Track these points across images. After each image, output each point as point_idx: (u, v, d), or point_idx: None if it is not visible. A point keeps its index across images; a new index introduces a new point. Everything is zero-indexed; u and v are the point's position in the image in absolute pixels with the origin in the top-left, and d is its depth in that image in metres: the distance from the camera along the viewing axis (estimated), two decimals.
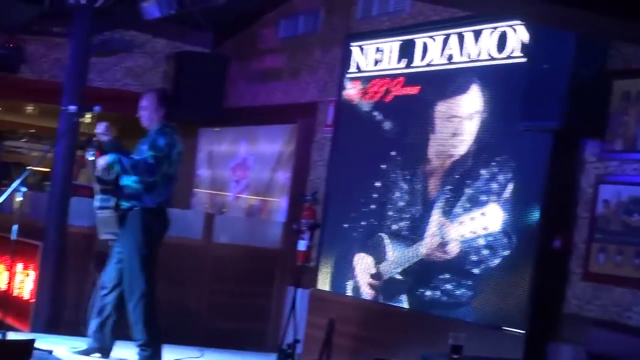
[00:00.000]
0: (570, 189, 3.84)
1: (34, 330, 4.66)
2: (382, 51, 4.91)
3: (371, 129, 4.90)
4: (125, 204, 4.03)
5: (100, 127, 4.03)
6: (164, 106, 4.15)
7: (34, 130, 8.20)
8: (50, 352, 3.98)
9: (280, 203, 5.85)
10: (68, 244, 4.73)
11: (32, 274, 4.92)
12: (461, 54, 4.37)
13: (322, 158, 5.35)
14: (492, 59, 4.20)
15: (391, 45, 4.87)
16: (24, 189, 4.12)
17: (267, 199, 6.01)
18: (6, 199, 4.13)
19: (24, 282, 4.99)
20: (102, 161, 3.97)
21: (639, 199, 3.62)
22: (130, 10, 5.04)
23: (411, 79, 4.69)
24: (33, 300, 4.82)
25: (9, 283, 4.70)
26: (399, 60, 4.81)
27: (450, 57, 4.44)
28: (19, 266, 5.02)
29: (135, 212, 4.02)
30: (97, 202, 4.08)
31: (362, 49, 5.07)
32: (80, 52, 4.78)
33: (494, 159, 4.08)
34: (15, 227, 4.07)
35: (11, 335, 3.98)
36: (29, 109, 7.23)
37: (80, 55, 4.78)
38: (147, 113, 4.14)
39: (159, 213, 4.08)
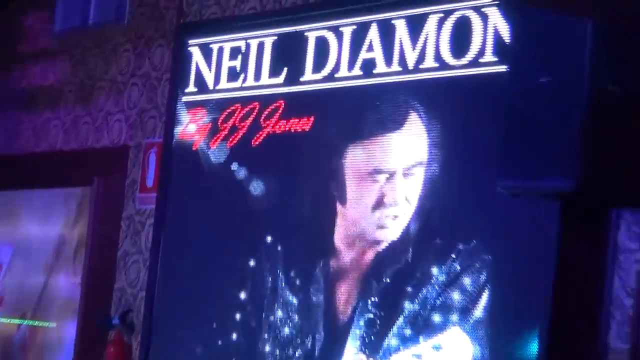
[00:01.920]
0: (594, 297, 3.67)
1: None
2: (244, 54, 4.74)
3: (227, 194, 4.77)
4: None
5: None
6: None
7: None
8: None
9: (61, 331, 5.66)
10: None
11: None
12: (389, 59, 4.21)
13: (139, 248, 5.23)
14: (445, 66, 4.03)
15: (261, 44, 4.65)
16: None
17: (35, 323, 5.85)
18: None
19: None
20: None
21: None
22: None
23: (298, 103, 4.51)
24: None
25: None
26: (275, 71, 4.60)
27: (369, 65, 4.28)
28: None
29: None
30: None
31: (207, 51, 4.89)
32: None
33: (454, 248, 3.94)
34: None
35: None
36: None
37: None
38: None
39: None
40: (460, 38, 3.95)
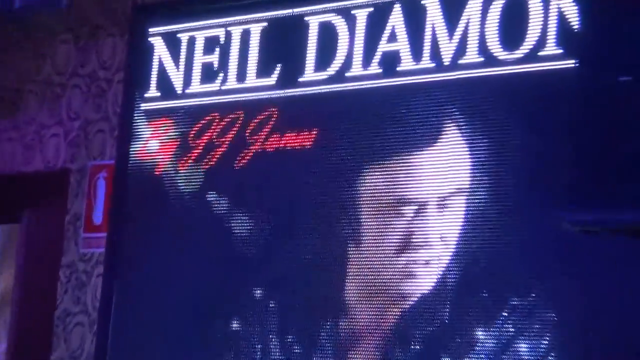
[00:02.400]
0: None
1: None
2: (223, 46, 4.56)
3: (202, 234, 4.53)
4: None
5: None
6: None
7: None
8: None
9: None
10: None
11: None
12: (418, 53, 4.04)
13: (83, 307, 5.07)
14: (493, 62, 3.86)
15: (246, 32, 4.50)
16: None
17: None
18: None
19: None
20: None
21: None
22: None
23: (296, 112, 4.35)
24: None
25: None
26: (266, 69, 4.43)
27: (390, 60, 4.12)
28: None
29: None
30: None
31: (173, 43, 4.73)
32: None
33: (505, 303, 3.77)
34: None
35: None
36: None
37: None
38: None
39: None
40: (513, 24, 3.77)
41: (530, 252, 3.76)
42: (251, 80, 4.52)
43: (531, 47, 3.74)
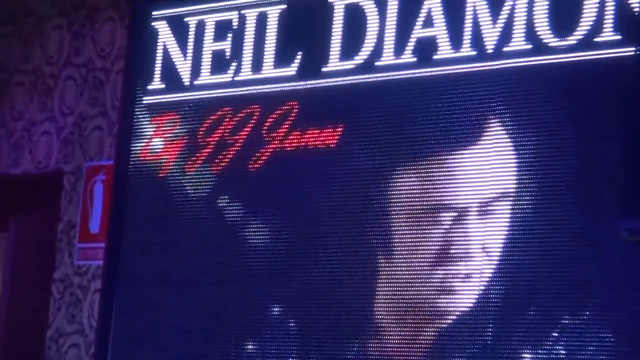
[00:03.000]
0: None
1: None
2: (236, 31, 4.60)
3: (212, 244, 4.56)
4: None
5: None
6: None
7: None
8: None
9: None
10: None
11: None
12: (457, 39, 4.05)
13: (79, 326, 5.19)
14: (542, 49, 3.87)
15: (262, 16, 4.57)
16: None
17: None
18: None
19: None
20: None
21: None
22: None
23: (320, 106, 4.36)
24: None
25: None
26: (285, 57, 4.46)
27: (426, 48, 4.14)
28: None
29: None
30: None
31: (180, 28, 4.80)
32: None
33: (556, 322, 3.77)
34: None
35: None
36: None
37: None
38: None
39: None
40: (566, 7, 3.81)
41: (583, 264, 3.70)
42: (268, 70, 4.54)
43: (585, 32, 3.67)
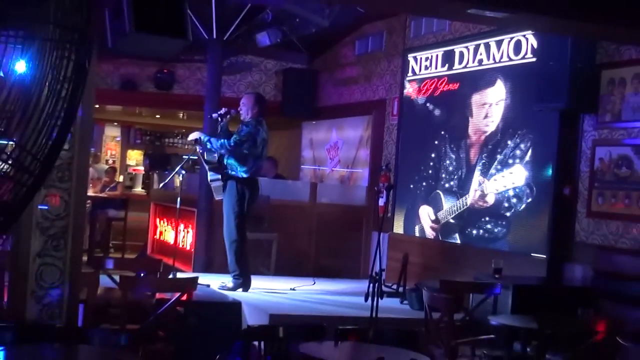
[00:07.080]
0: (574, 151, 6.84)
1: (194, 270, 9.39)
2: (430, 59, 9.18)
3: (425, 116, 9.27)
4: (226, 176, 7.95)
5: (220, 112, 8.05)
6: (257, 106, 8.00)
7: (184, 130, 16.90)
8: (208, 285, 8.13)
9: (363, 173, 10.83)
10: (214, 209, 9.43)
11: (191, 231, 9.99)
12: (488, 58, 8.24)
13: (392, 139, 10.04)
14: (511, 60, 7.72)
15: (437, 54, 9.17)
16: (183, 172, 8.44)
17: (353, 170, 11.13)
18: (170, 179, 8.84)
19: (186, 237, 10.10)
20: (194, 135, 7.89)
21: (624, 156, 6.71)
22: (249, 40, 10.41)
23: (452, 78, 8.95)
24: (193, 250, 9.83)
25: (175, 238, 9.54)
26: (443, 65, 9.09)
27: (480, 61, 8.45)
28: (182, 226, 10.08)
29: (232, 181, 7.95)
30: (209, 177, 8.04)
31: (415, 59, 9.50)
32: (215, 73, 9.97)
33: (517, 133, 7.66)
34: (178, 199, 8.43)
35: (179, 275, 8.05)
36: (180, 115, 15.27)
37: (216, 75, 9.89)
38: (245, 109, 7.94)
39: (250, 181, 7.90)
40: (517, 47, 6.91)
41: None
42: (441, 69, 8.46)
43: (524, 54, 6.88)
